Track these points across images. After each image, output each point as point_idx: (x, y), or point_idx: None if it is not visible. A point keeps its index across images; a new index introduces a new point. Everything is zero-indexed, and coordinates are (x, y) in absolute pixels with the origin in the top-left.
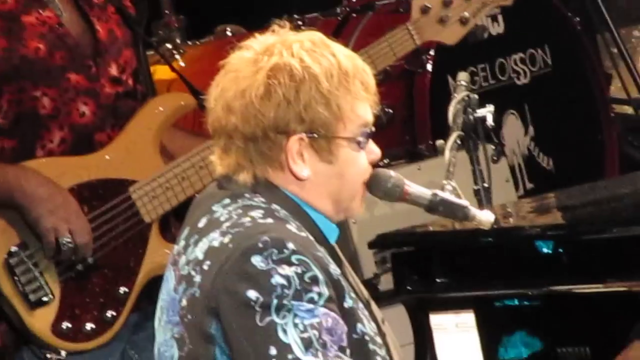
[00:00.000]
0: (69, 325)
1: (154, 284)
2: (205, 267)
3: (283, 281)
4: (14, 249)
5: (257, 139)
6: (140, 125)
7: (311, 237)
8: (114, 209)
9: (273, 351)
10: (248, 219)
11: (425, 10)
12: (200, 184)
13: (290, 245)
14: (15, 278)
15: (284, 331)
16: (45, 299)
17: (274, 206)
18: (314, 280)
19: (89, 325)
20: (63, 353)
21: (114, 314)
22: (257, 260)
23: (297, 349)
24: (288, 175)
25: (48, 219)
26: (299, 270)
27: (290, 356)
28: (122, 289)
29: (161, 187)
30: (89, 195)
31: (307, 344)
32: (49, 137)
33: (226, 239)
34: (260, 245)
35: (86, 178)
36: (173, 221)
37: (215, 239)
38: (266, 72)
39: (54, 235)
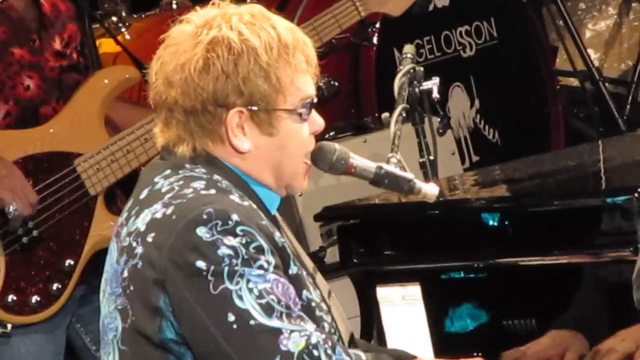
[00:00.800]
0: (15, 298)
1: (100, 256)
2: (148, 239)
3: (230, 251)
4: None
5: (197, 112)
6: (85, 98)
7: (254, 206)
8: (59, 182)
9: (231, 317)
10: (190, 190)
11: None
12: (145, 157)
13: (234, 217)
14: None
15: (240, 297)
16: None
17: (216, 177)
18: (260, 250)
19: (34, 298)
20: (9, 326)
21: (60, 286)
22: (202, 232)
23: (258, 314)
24: (229, 148)
25: None
26: (244, 241)
27: (252, 322)
28: (68, 262)
29: (106, 160)
30: (34, 168)
31: (268, 309)
32: None
33: (169, 211)
34: (205, 216)
35: (31, 151)
36: (119, 194)
37: (157, 210)
38: (205, 45)
39: (0, 205)
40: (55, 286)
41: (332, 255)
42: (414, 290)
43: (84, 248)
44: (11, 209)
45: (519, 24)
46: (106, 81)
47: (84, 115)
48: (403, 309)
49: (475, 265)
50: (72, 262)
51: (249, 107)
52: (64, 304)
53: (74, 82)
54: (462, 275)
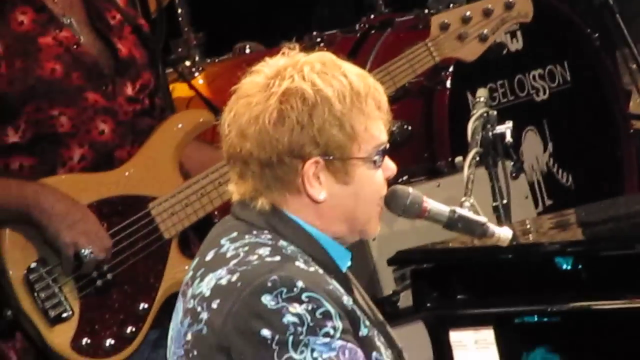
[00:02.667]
0: (89, 341)
1: (174, 300)
2: (213, 305)
3: (295, 319)
4: (33, 265)
5: (272, 164)
6: (159, 141)
7: (321, 271)
8: (134, 225)
9: None
10: (255, 256)
11: (444, 27)
12: (219, 201)
13: (300, 283)
14: (35, 294)
15: None
16: (64, 315)
17: (282, 243)
18: (327, 315)
19: (108, 341)
20: None
21: (134, 330)
22: (267, 300)
23: None
24: (305, 199)
25: (67, 233)
26: (310, 308)
27: None
28: (142, 305)
29: (180, 204)
30: (108, 212)
31: None
32: (68, 155)
33: (234, 278)
34: (270, 284)
35: (106, 194)
36: (192, 237)
37: (222, 276)
38: (278, 97)
39: (73, 249)
40: (129, 329)
41: (406, 299)
42: (488, 335)
43: (158, 292)
44: (85, 252)
45: (593, 67)
46: (180, 125)
47: (158, 158)
48: (476, 354)
49: (549, 309)
50: (146, 306)
51: (325, 157)
52: (138, 348)
53: (147, 126)
54: (536, 319)
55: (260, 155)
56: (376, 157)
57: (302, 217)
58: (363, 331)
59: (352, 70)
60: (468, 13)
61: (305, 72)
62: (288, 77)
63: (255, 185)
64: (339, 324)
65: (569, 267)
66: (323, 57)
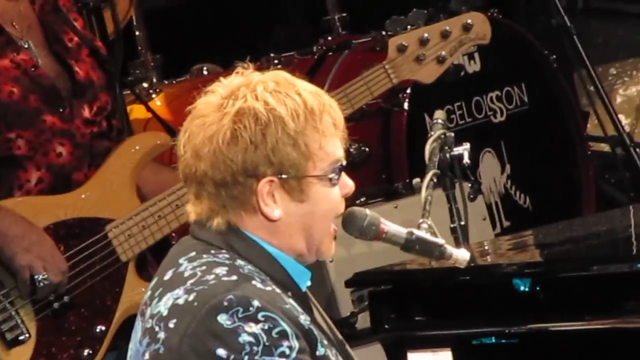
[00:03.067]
0: None
1: (131, 322)
2: (170, 324)
3: (251, 339)
4: None
5: (227, 184)
6: (116, 164)
7: (278, 290)
8: (90, 248)
9: None
10: (212, 276)
11: (401, 49)
12: (176, 223)
13: (256, 302)
14: None
15: None
16: (21, 337)
17: (239, 262)
18: (283, 335)
19: None
20: None
21: (91, 352)
22: (223, 319)
23: None
24: (261, 218)
25: (23, 256)
26: (266, 327)
27: None
28: (99, 328)
29: (137, 226)
30: (65, 234)
31: None
32: (25, 177)
33: (191, 297)
34: (226, 303)
35: (62, 217)
36: (150, 259)
37: (179, 296)
38: (232, 117)
39: (29, 272)
40: (86, 352)
41: (364, 321)
42: (445, 356)
43: (115, 314)
44: (40, 277)
45: (550, 89)
46: (137, 147)
47: (115, 181)
48: None
49: (507, 330)
50: (103, 328)
51: (279, 176)
52: None
53: (104, 148)
54: (494, 340)
55: (215, 176)
56: (332, 175)
57: (260, 235)
58: (320, 350)
59: (306, 87)
60: (426, 35)
61: (258, 92)
62: (241, 96)
63: (210, 205)
64: (295, 344)
65: (526, 289)
66: (277, 76)
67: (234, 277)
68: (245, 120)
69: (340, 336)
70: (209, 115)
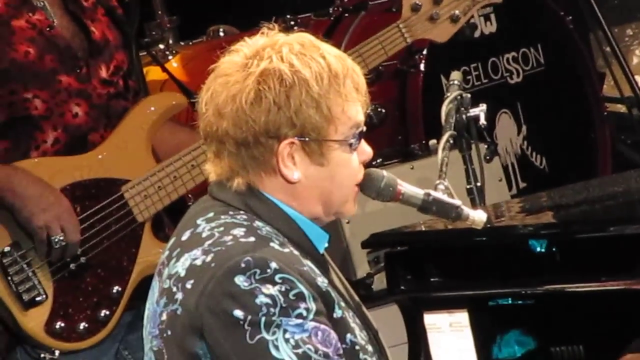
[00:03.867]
0: (62, 324)
1: (148, 283)
2: (188, 285)
3: (268, 300)
4: (6, 248)
5: (248, 143)
6: (132, 124)
7: (296, 252)
8: (107, 209)
9: None
10: (230, 237)
11: (415, 8)
12: (192, 183)
13: (273, 265)
14: (8, 278)
15: (276, 347)
16: (38, 298)
17: (257, 223)
18: (300, 297)
19: (82, 325)
20: (57, 352)
21: (107, 313)
22: (240, 280)
23: None
24: (280, 180)
25: (40, 217)
26: (283, 289)
27: None
28: (116, 288)
29: (153, 187)
30: (81, 195)
31: (304, 358)
32: (42, 138)
33: (208, 258)
34: (243, 265)
35: (79, 178)
36: (166, 220)
37: (197, 257)
38: (256, 77)
39: (46, 233)
40: (103, 313)
41: (380, 282)
42: (462, 317)
43: (132, 274)
44: (56, 239)
45: (566, 50)
46: (153, 108)
47: (131, 142)
48: (451, 336)
49: (523, 292)
50: (119, 289)
51: (301, 138)
52: (112, 331)
53: (121, 109)
54: (510, 302)
55: (237, 135)
56: (352, 140)
57: (279, 197)
58: (337, 313)
59: (330, 51)
60: None
61: (284, 53)
62: (266, 57)
63: (231, 165)
64: (312, 306)
65: (542, 250)
66: (302, 38)
67: (252, 239)
68: (270, 81)
69: (357, 298)
70: (232, 74)
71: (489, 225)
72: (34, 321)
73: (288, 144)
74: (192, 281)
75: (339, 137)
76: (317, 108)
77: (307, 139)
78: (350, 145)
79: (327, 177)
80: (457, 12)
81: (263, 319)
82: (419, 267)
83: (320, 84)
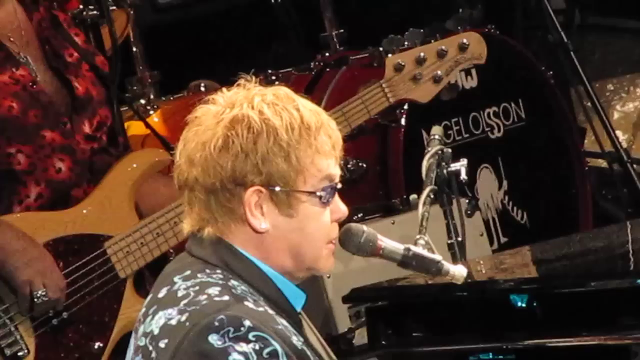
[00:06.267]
0: None
1: (129, 338)
2: (161, 344)
3: (241, 358)
4: None
5: (217, 190)
6: (115, 181)
7: (270, 311)
8: (89, 264)
9: None
10: (204, 296)
11: (398, 68)
12: (175, 240)
13: (247, 322)
14: None
15: None
16: (20, 353)
17: (232, 282)
18: (273, 355)
19: None
20: None
21: None
22: (214, 339)
23: None
24: (248, 229)
25: (23, 271)
26: (257, 347)
27: None
28: (97, 344)
29: (136, 243)
30: (64, 250)
31: None
32: (25, 193)
33: (183, 317)
34: (217, 323)
35: (62, 233)
36: (147, 276)
37: (172, 316)
38: (225, 124)
39: (29, 288)
40: None
41: (361, 337)
42: None
43: (113, 330)
44: (39, 294)
45: (547, 105)
46: (135, 165)
47: (114, 198)
48: None
49: (504, 346)
50: (101, 345)
51: (268, 187)
52: None
53: (105, 164)
54: (491, 356)
55: (205, 181)
56: (322, 193)
57: (250, 251)
58: None
59: (306, 104)
60: (422, 54)
61: (255, 102)
62: (238, 105)
63: (201, 214)
64: None
65: (523, 305)
66: (277, 91)
67: (226, 297)
68: (238, 127)
69: (334, 358)
70: (204, 123)
71: (469, 280)
72: None
73: (255, 192)
74: (166, 340)
75: (308, 188)
76: (285, 157)
77: (275, 188)
78: (320, 198)
79: (296, 229)
80: (439, 72)
81: None
82: (400, 322)
83: (290, 133)
